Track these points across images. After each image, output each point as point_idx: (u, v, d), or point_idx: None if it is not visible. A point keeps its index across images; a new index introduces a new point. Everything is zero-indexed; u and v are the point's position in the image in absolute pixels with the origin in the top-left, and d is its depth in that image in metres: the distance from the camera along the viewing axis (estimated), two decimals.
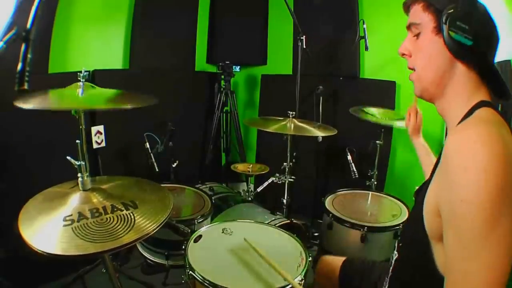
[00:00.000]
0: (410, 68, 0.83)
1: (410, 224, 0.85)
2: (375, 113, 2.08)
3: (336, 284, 1.18)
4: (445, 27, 0.71)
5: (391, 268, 0.91)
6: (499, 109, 0.73)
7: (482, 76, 0.74)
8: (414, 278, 0.80)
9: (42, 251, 0.84)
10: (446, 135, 0.81)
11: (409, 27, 0.81)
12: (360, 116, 2.01)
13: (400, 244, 0.88)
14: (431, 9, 0.75)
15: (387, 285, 0.92)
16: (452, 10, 0.70)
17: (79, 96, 1.25)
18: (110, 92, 1.38)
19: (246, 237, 1.23)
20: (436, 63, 0.75)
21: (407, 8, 0.82)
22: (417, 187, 0.87)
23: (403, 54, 0.83)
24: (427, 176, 0.85)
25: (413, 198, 0.86)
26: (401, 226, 1.65)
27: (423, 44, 0.77)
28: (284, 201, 2.06)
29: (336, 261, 1.24)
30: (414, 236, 0.78)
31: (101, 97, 1.34)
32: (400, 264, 0.86)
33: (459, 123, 0.72)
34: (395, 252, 0.89)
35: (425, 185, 0.77)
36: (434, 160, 1.17)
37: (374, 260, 1.23)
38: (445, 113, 0.79)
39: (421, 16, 0.77)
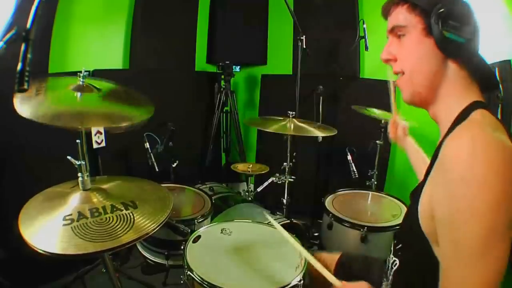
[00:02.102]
0: (396, 73, 0.80)
1: (406, 227, 0.84)
2: (375, 112, 2.09)
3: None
4: (436, 27, 0.70)
5: (390, 272, 0.89)
6: (499, 109, 0.72)
7: (473, 72, 0.74)
8: (417, 280, 0.79)
9: (42, 251, 0.84)
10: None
11: (391, 30, 0.79)
12: (362, 112, 2.00)
13: (398, 247, 0.86)
14: (417, 10, 0.73)
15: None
16: (442, 10, 0.69)
17: (77, 100, 1.20)
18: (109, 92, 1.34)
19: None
20: (428, 65, 0.74)
21: (387, 12, 0.80)
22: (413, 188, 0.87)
23: (387, 60, 0.81)
24: (420, 176, 0.85)
25: (409, 198, 0.86)
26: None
27: (410, 46, 0.76)
28: (284, 201, 2.06)
29: (332, 257, 1.22)
30: (411, 238, 0.78)
31: (100, 104, 1.24)
32: (401, 268, 0.85)
33: (453, 124, 0.72)
34: (392, 256, 0.87)
35: (420, 187, 0.76)
36: (425, 157, 1.17)
37: (371, 257, 1.23)
38: (437, 115, 0.78)
39: (407, 18, 0.75)
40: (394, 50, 0.79)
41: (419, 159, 1.19)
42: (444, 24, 0.69)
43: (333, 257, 1.22)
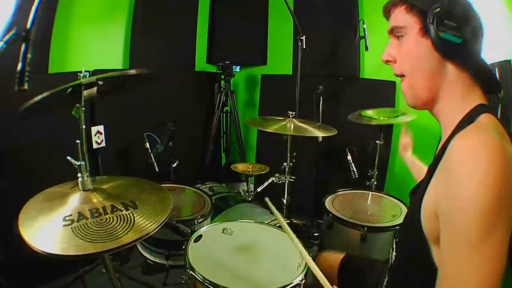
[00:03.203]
0: (397, 75, 0.81)
1: (407, 225, 0.84)
2: (373, 115, 2.09)
3: (335, 280, 1.18)
4: (432, 27, 0.69)
5: (389, 268, 0.91)
6: (499, 109, 0.72)
7: (474, 74, 0.73)
8: (412, 277, 0.80)
9: (42, 251, 0.84)
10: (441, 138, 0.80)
11: (391, 31, 0.79)
12: (359, 121, 2.01)
13: (397, 243, 0.88)
14: (415, 11, 0.73)
15: (385, 284, 0.92)
16: (438, 9, 0.69)
17: None
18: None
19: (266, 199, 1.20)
20: (426, 66, 0.74)
21: (388, 13, 0.80)
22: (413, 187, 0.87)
23: (387, 61, 0.81)
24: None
25: (409, 197, 0.86)
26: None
27: (409, 47, 0.76)
28: (284, 201, 2.06)
29: (335, 257, 1.23)
30: (411, 237, 0.78)
31: None
32: (398, 265, 0.86)
33: (458, 126, 0.72)
34: (394, 253, 0.89)
35: (421, 185, 0.76)
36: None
37: (375, 258, 1.23)
38: (440, 116, 0.78)
39: (405, 18, 0.75)
40: (393, 51, 0.79)
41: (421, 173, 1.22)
42: (439, 24, 0.69)
43: (337, 257, 1.22)
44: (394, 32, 0.78)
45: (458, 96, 0.74)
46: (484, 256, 0.58)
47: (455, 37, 0.69)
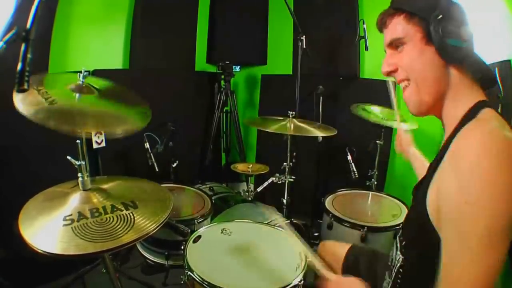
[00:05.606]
0: (401, 80, 0.80)
1: (412, 223, 0.83)
2: (375, 112, 2.08)
3: (339, 269, 1.17)
4: (436, 35, 0.69)
5: (394, 270, 0.89)
6: (499, 109, 0.73)
7: (474, 72, 0.74)
8: (423, 277, 0.78)
9: (42, 251, 0.84)
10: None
11: (390, 44, 0.78)
12: (360, 114, 2.00)
13: (405, 245, 0.86)
14: (415, 19, 0.73)
15: (391, 285, 0.90)
16: (440, 16, 0.69)
17: (75, 100, 1.17)
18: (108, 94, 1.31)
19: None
20: (431, 72, 0.74)
21: (383, 24, 0.79)
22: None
23: (389, 72, 0.80)
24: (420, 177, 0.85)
25: (412, 195, 0.86)
26: (401, 226, 1.65)
27: (411, 56, 0.75)
28: (284, 201, 2.06)
29: (340, 248, 1.22)
30: (419, 236, 0.77)
31: (97, 104, 1.21)
32: (405, 265, 0.84)
33: (460, 123, 0.72)
34: (398, 253, 0.87)
35: (424, 182, 0.76)
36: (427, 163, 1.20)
37: (379, 251, 1.22)
38: (443, 116, 0.78)
39: (405, 28, 0.74)
40: (394, 60, 0.79)
41: (424, 168, 1.21)
42: (444, 31, 0.69)
43: (342, 249, 1.22)
44: (394, 44, 0.78)
45: (460, 96, 0.74)
46: (491, 253, 0.58)
47: (459, 42, 0.69)
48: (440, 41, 0.69)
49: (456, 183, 0.62)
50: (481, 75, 0.75)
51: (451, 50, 0.70)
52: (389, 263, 0.93)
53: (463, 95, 0.74)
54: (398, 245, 0.88)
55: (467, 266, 0.60)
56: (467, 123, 0.69)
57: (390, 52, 0.80)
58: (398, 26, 0.75)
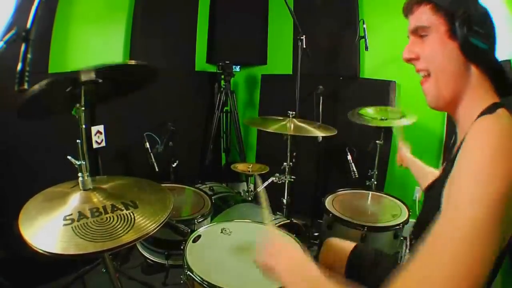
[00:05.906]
0: (420, 70, 0.79)
1: (424, 221, 0.82)
2: (372, 114, 2.08)
3: (343, 268, 1.16)
4: (461, 31, 0.69)
5: None
6: None
7: (494, 80, 0.74)
8: None
9: (42, 251, 0.84)
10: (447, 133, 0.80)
11: (415, 31, 0.78)
12: (357, 120, 2.02)
13: (413, 242, 0.84)
14: (441, 12, 0.73)
15: None
16: (465, 13, 0.69)
17: None
18: None
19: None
20: (451, 67, 0.74)
21: (409, 10, 0.79)
22: (428, 183, 0.87)
23: (410, 59, 0.80)
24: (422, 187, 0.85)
25: (423, 194, 0.85)
26: (405, 226, 1.66)
27: (434, 47, 0.75)
28: (284, 201, 2.06)
29: (345, 246, 1.21)
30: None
31: None
32: None
33: (475, 120, 0.71)
34: (408, 251, 0.87)
35: (438, 181, 0.76)
36: (432, 170, 1.23)
37: (383, 251, 1.22)
38: (459, 116, 0.78)
39: (430, 18, 0.74)
40: (416, 49, 0.78)
41: (425, 174, 1.23)
42: (469, 29, 0.69)
43: (347, 247, 1.21)
44: (419, 32, 0.77)
45: (478, 98, 0.74)
46: (477, 249, 0.54)
47: (482, 43, 0.69)
48: (464, 37, 0.69)
49: (461, 160, 0.61)
50: (500, 81, 0.75)
51: (473, 49, 0.70)
52: (399, 262, 0.93)
53: (480, 97, 0.74)
54: (408, 243, 0.88)
55: (448, 257, 0.55)
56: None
57: (413, 39, 0.80)
58: (424, 16, 0.75)
